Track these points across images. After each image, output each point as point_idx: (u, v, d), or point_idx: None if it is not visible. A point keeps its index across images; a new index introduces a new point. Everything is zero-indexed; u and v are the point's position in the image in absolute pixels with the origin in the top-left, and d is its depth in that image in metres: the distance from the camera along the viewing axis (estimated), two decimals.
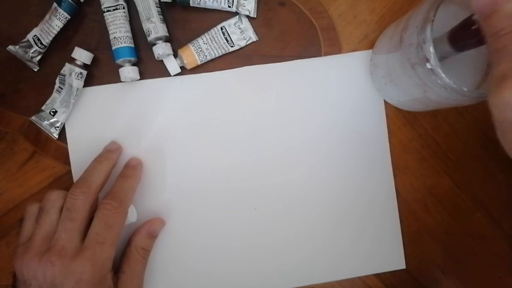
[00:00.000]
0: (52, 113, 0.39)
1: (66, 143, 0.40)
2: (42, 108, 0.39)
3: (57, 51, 0.39)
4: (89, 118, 0.40)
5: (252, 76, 0.40)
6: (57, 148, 0.40)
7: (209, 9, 0.39)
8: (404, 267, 0.40)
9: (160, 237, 0.39)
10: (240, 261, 0.40)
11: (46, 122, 0.39)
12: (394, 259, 0.40)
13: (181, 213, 0.40)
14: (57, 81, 0.39)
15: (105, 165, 0.36)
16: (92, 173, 0.36)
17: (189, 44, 0.39)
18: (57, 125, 0.39)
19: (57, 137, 0.39)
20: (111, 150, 0.38)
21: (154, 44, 0.38)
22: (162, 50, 0.38)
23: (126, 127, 0.40)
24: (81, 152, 0.39)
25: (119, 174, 0.38)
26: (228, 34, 0.39)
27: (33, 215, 0.35)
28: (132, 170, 0.38)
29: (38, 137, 0.40)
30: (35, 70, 0.39)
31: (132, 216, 0.37)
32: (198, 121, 0.40)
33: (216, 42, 0.39)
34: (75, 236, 0.33)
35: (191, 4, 0.38)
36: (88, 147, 0.39)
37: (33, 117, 0.39)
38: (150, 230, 0.38)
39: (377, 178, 0.40)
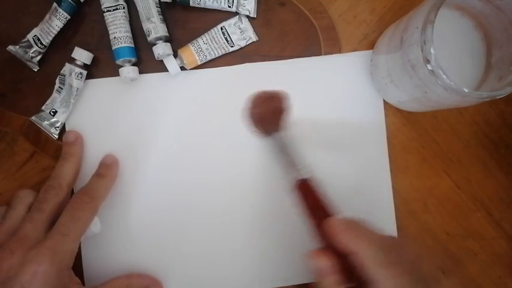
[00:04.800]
0: (52, 113, 0.39)
1: None
2: (42, 108, 0.39)
3: (57, 51, 0.39)
4: (89, 118, 0.39)
5: (251, 74, 0.40)
6: (57, 148, 0.40)
7: (209, 9, 0.39)
8: None
9: (154, 236, 0.39)
10: (237, 257, 0.40)
11: (46, 122, 0.39)
12: None
13: (180, 211, 0.40)
14: (57, 81, 0.39)
15: (71, 161, 0.37)
16: (61, 170, 0.36)
17: (189, 44, 0.39)
18: (57, 125, 0.39)
19: (57, 137, 0.39)
20: (70, 143, 0.38)
21: (155, 44, 0.38)
22: (162, 50, 0.38)
23: (126, 127, 0.40)
24: None
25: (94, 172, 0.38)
26: (228, 34, 0.39)
27: (1, 214, 0.35)
28: (106, 169, 0.38)
29: (38, 137, 0.40)
30: (35, 70, 0.39)
31: (96, 227, 0.36)
32: (196, 117, 0.40)
33: (216, 42, 0.39)
34: (39, 227, 0.32)
35: (191, 4, 0.38)
36: (88, 147, 0.39)
37: (33, 117, 0.39)
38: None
39: (375, 178, 0.40)
